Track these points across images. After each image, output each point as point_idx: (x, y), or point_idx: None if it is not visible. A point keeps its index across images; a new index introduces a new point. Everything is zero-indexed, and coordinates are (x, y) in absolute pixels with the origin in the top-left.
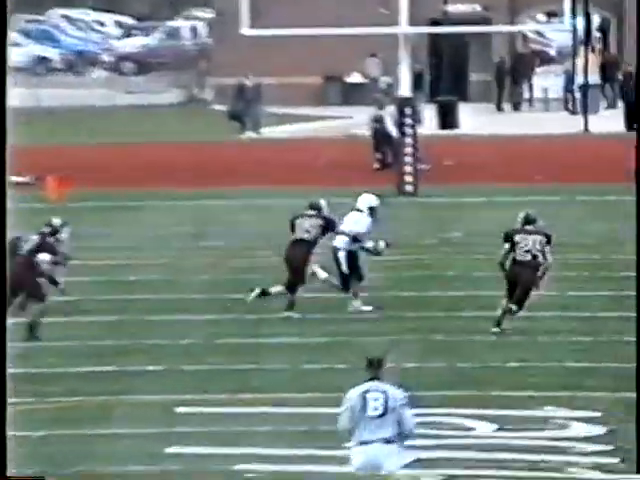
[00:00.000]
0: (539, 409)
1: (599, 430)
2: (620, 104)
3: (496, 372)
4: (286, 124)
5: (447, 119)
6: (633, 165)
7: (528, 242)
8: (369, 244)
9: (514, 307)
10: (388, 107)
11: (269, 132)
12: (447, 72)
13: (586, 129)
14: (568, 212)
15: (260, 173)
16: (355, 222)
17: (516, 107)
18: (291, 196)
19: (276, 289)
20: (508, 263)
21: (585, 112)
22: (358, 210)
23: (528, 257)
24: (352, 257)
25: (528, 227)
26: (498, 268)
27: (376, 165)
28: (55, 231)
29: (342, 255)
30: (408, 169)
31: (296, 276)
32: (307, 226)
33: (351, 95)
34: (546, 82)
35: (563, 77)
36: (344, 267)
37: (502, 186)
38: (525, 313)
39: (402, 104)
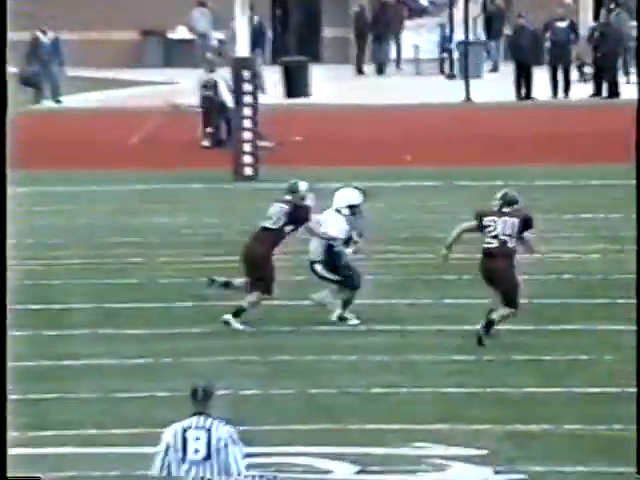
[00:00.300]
0: (410, 446)
1: (485, 473)
2: (504, 67)
3: (357, 400)
4: (93, 91)
5: (295, 85)
6: (522, 142)
7: (497, 226)
8: (349, 250)
9: (504, 312)
10: (221, 70)
11: (71, 101)
12: (294, 26)
13: (468, 97)
14: (445, 200)
15: (58, 154)
16: (333, 226)
17: (380, 70)
18: (96, 182)
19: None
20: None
21: (466, 76)
22: (337, 211)
23: (495, 244)
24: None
25: (505, 209)
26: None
27: (206, 142)
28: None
29: (320, 268)
30: (247, 147)
31: (252, 272)
32: (271, 212)
33: (175, 54)
34: (417, 39)
35: (438, 33)
36: (332, 277)
37: (363, 168)
38: (390, 326)
39: (239, 66)
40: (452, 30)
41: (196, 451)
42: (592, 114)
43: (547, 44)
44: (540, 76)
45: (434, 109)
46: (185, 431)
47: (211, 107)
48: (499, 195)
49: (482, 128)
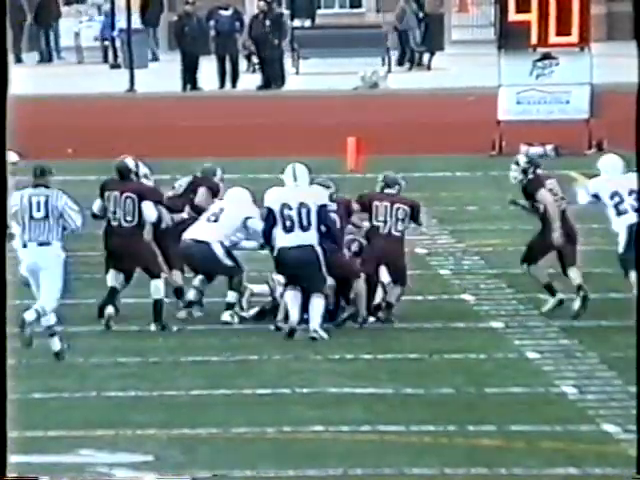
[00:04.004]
0: (73, 454)
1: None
2: (168, 56)
3: (15, 405)
4: None
5: None
6: (188, 135)
7: (383, 210)
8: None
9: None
10: None
11: None
12: None
13: (131, 87)
14: None
15: None
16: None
17: (43, 58)
18: None
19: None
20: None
21: (131, 66)
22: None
23: (386, 230)
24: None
25: (388, 191)
26: None
27: None
28: None
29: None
30: None
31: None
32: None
33: None
34: (77, 26)
35: (102, 19)
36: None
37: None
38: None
39: None
40: (114, 17)
41: (37, 211)
42: (259, 105)
43: (212, 33)
44: (207, 66)
45: (97, 99)
46: (30, 197)
47: None
48: (380, 178)
49: (146, 120)
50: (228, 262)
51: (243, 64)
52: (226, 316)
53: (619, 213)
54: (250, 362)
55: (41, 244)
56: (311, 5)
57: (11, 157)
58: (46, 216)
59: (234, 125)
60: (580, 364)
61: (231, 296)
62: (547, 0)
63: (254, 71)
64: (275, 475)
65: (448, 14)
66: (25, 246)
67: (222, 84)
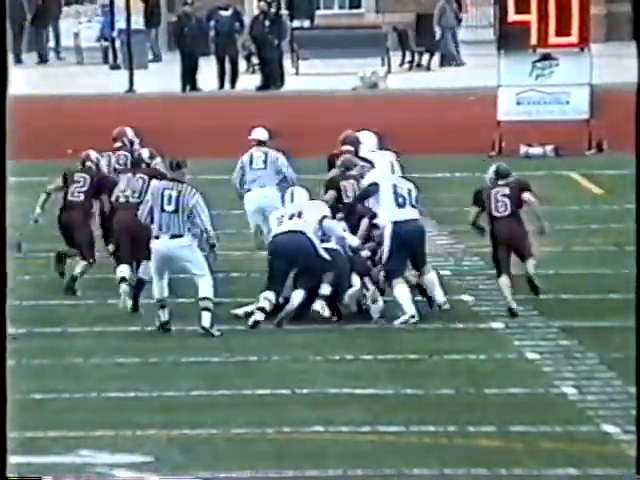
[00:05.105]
0: (74, 454)
1: None
2: (167, 56)
3: (16, 407)
4: None
5: None
6: (188, 135)
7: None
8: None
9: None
10: None
11: None
12: None
13: (131, 88)
14: None
15: None
16: None
17: (42, 59)
18: None
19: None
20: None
21: (130, 66)
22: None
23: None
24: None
25: (501, 182)
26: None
27: None
28: None
29: None
30: None
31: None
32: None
33: None
34: (76, 26)
35: (101, 19)
36: None
37: (26, 163)
38: (51, 328)
39: None
40: (114, 17)
41: (169, 204)
42: (259, 106)
43: (212, 33)
44: (207, 66)
45: (96, 100)
46: (164, 190)
47: None
48: (492, 170)
49: (146, 120)
50: (324, 254)
51: (242, 65)
52: (317, 305)
53: None
54: (250, 363)
55: (173, 236)
56: (310, 6)
57: (144, 154)
58: (176, 210)
59: (233, 125)
60: (580, 365)
61: (325, 289)
62: (547, 1)
63: (253, 72)
64: (275, 475)
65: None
66: (157, 238)
67: (221, 84)
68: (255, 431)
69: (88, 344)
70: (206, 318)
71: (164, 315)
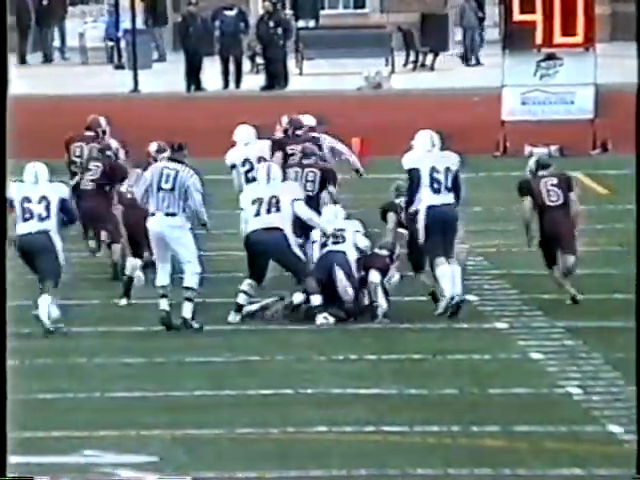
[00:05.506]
0: (76, 453)
1: None
2: (172, 56)
3: (19, 406)
4: None
5: None
6: (194, 135)
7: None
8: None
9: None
10: None
11: None
12: None
13: (135, 88)
14: None
15: None
16: None
17: (47, 59)
18: None
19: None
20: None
21: (134, 66)
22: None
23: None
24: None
25: (544, 172)
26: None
27: None
28: None
29: None
30: None
31: None
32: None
33: None
34: (82, 26)
35: (106, 20)
36: None
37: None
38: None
39: None
40: (119, 16)
41: (166, 182)
42: (263, 106)
43: (217, 33)
44: (211, 66)
45: (101, 100)
46: (163, 169)
47: None
48: (533, 160)
49: (151, 120)
50: (298, 252)
51: (246, 65)
52: (319, 320)
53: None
54: (253, 362)
55: (168, 214)
56: (315, 5)
57: (113, 144)
58: (172, 188)
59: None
60: (585, 365)
61: (314, 300)
62: (552, 0)
63: (257, 72)
64: (279, 476)
65: (452, 14)
66: (153, 215)
67: (226, 84)
68: (259, 431)
69: (92, 344)
70: (187, 309)
71: (163, 304)
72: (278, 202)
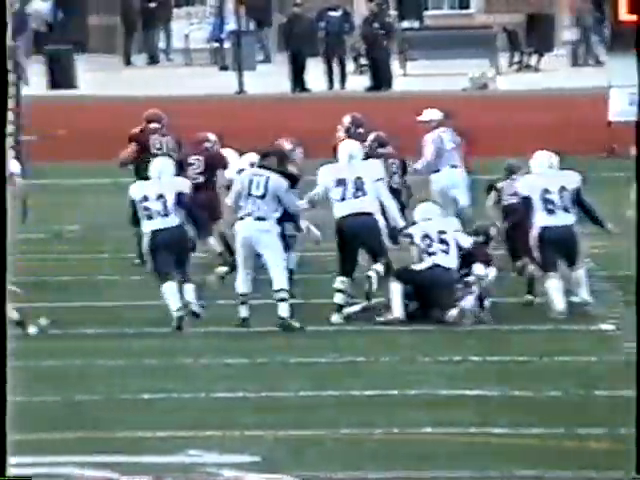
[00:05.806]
0: (180, 453)
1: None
2: (278, 57)
3: (126, 406)
4: None
5: (59, 75)
6: (303, 136)
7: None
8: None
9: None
10: None
11: None
12: (62, 13)
13: (241, 89)
14: None
15: None
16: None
17: (152, 60)
18: None
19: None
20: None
21: (239, 67)
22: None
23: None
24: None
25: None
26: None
27: None
28: None
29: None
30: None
31: None
32: None
33: None
34: (187, 28)
35: (212, 21)
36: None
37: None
38: (161, 329)
39: None
40: (223, 18)
41: (257, 189)
42: (368, 106)
43: (321, 34)
44: (314, 67)
45: (206, 101)
46: (253, 176)
47: None
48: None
49: (256, 122)
50: (386, 241)
51: (350, 65)
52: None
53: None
54: (358, 363)
55: (258, 219)
56: (419, 6)
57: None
58: (263, 195)
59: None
60: None
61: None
62: None
63: (361, 72)
64: (383, 477)
65: (559, 14)
66: (242, 219)
67: (331, 85)
68: (363, 432)
69: (198, 344)
70: (283, 308)
71: (244, 311)
72: (363, 184)
